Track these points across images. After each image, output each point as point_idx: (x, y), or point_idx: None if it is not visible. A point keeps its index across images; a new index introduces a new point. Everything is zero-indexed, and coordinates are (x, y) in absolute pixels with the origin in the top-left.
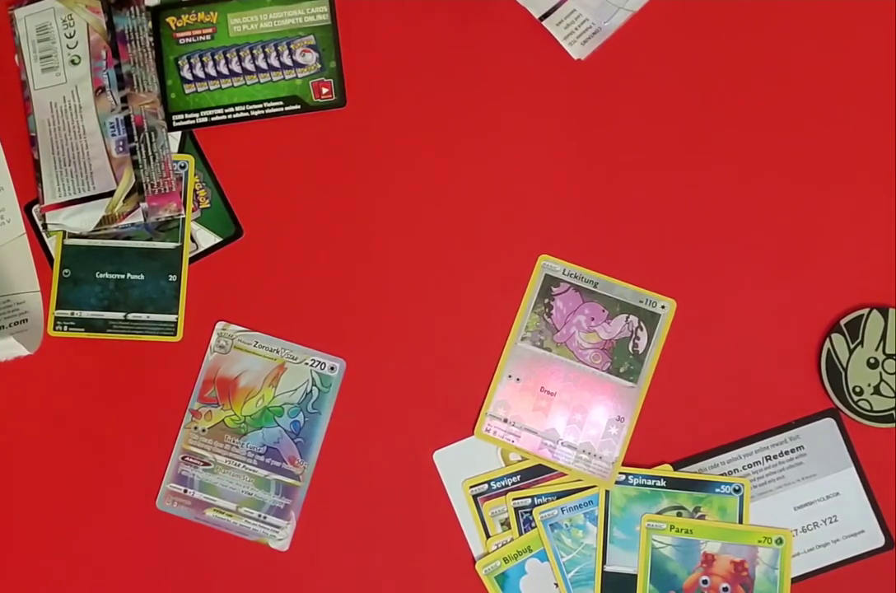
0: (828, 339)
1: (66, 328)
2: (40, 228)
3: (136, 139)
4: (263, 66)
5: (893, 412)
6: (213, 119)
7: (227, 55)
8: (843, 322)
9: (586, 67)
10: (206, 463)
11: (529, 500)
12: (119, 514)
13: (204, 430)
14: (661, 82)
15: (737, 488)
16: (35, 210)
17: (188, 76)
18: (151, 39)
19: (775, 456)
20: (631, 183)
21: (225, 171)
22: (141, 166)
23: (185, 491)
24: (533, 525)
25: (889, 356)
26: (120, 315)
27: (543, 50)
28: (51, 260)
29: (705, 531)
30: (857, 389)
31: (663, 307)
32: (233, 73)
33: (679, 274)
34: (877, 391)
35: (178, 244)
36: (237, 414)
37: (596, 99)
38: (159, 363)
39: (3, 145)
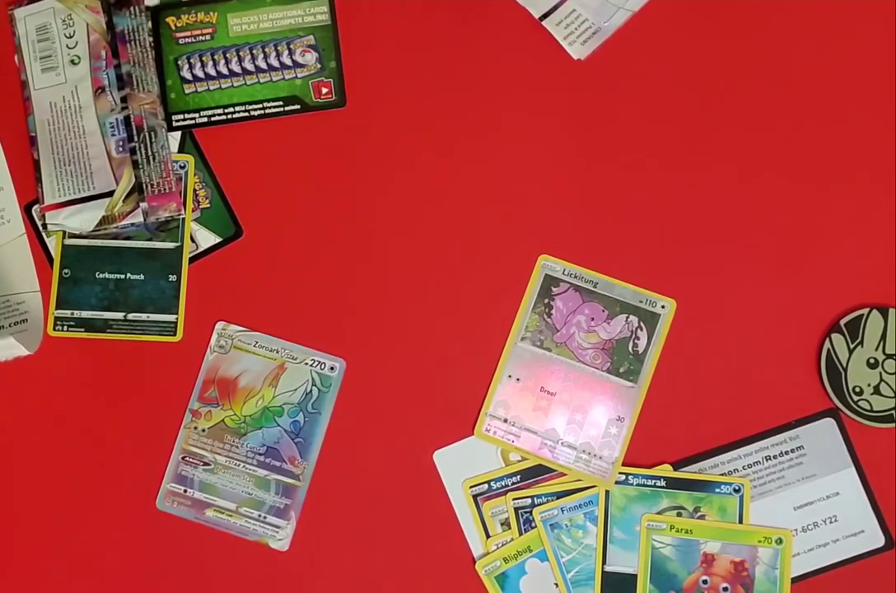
0: (828, 339)
1: (66, 328)
2: (40, 228)
3: (135, 139)
4: (263, 66)
5: (893, 412)
6: (212, 119)
7: (227, 55)
8: (843, 322)
9: (586, 67)
10: (206, 463)
11: (529, 500)
12: (119, 514)
13: (204, 430)
14: (661, 82)
15: (737, 488)
16: (35, 210)
17: (188, 76)
18: (151, 39)
19: (775, 456)
20: (631, 183)
21: (225, 171)
22: (141, 166)
23: (185, 491)
24: (533, 525)
25: (889, 356)
26: (120, 315)
27: (543, 50)
28: (51, 260)
29: (705, 531)
30: (857, 389)
31: (663, 307)
32: (232, 73)
33: (679, 274)
34: (877, 391)
35: (178, 244)
36: (237, 414)
37: (596, 99)
38: (159, 363)
39: (3, 145)
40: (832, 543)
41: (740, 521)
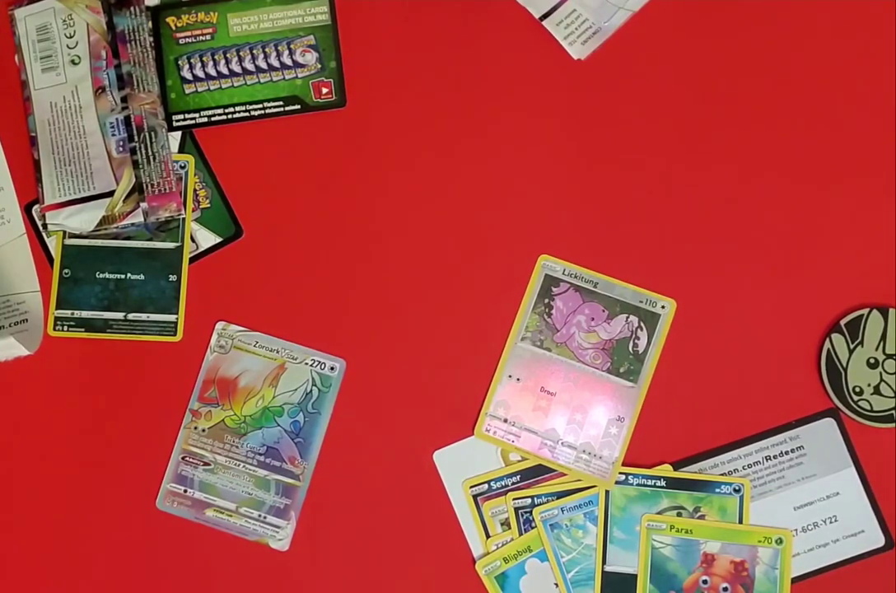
0: (828, 339)
1: (66, 328)
2: (40, 228)
3: (136, 139)
4: (263, 66)
5: (893, 412)
6: (213, 119)
7: (227, 55)
8: (843, 322)
9: (586, 67)
10: (206, 463)
11: (529, 500)
12: (119, 514)
13: (204, 430)
14: (661, 82)
15: (737, 488)
16: (35, 210)
17: (188, 76)
18: (151, 39)
19: (775, 456)
20: (631, 183)
21: (225, 171)
22: (141, 166)
23: (185, 491)
24: (533, 525)
25: (889, 356)
26: (120, 315)
27: (543, 50)
28: (51, 260)
29: (705, 531)
30: (857, 389)
31: (663, 307)
32: (233, 73)
33: (679, 274)
34: (877, 391)
35: (178, 244)
36: (237, 414)
37: (596, 99)
38: (159, 363)
39: (3, 145)
40: (832, 543)
41: (740, 521)
